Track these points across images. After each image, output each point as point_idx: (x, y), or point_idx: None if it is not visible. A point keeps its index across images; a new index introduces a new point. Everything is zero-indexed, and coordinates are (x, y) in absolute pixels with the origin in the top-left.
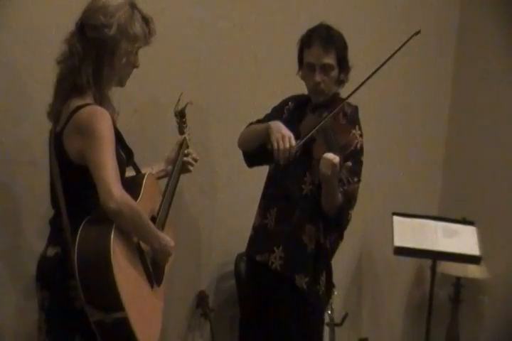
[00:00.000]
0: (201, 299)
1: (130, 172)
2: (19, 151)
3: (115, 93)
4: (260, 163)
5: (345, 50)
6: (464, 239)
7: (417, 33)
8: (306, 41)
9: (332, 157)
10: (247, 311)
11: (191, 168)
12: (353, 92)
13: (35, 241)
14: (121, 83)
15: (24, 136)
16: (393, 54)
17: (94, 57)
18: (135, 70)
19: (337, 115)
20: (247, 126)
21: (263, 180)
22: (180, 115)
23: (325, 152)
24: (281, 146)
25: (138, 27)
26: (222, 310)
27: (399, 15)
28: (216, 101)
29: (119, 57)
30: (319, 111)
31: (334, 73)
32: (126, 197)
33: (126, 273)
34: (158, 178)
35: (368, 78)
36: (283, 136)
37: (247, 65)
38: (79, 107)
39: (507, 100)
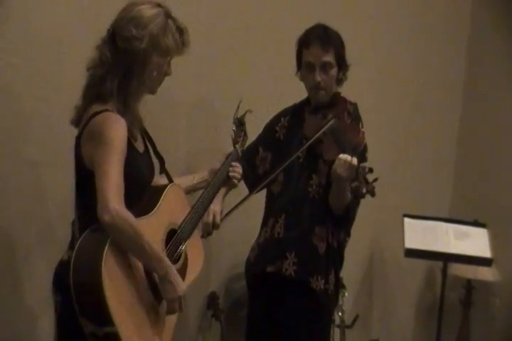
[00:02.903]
0: (212, 300)
1: (162, 180)
2: (31, 152)
3: None
4: (261, 187)
5: (343, 48)
6: (475, 241)
7: (333, 118)
8: (304, 41)
9: (349, 158)
10: (255, 313)
11: (236, 181)
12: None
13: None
14: (152, 91)
15: (35, 136)
16: (311, 141)
17: (123, 68)
18: None
19: (342, 115)
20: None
21: None
22: (240, 123)
23: (337, 153)
24: (205, 219)
25: (171, 39)
26: (232, 311)
27: (410, 17)
28: (226, 103)
29: (149, 70)
30: (322, 112)
31: (334, 72)
32: (123, 212)
33: (120, 288)
34: (199, 189)
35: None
36: (209, 210)
37: (257, 66)
38: (96, 113)
39: None
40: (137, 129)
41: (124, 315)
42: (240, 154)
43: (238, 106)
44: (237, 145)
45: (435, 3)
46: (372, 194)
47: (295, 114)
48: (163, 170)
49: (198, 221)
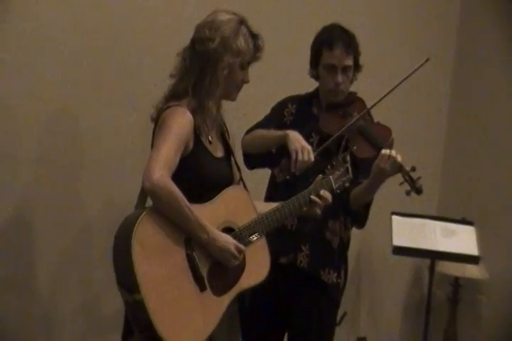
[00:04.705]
0: None
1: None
2: (13, 146)
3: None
4: (262, 166)
5: (359, 50)
6: (462, 239)
7: (427, 60)
8: (327, 43)
9: (394, 154)
10: (257, 304)
11: (318, 210)
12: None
13: None
14: (229, 96)
15: (20, 131)
16: (400, 82)
17: (198, 69)
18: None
19: (365, 114)
20: (250, 131)
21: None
22: (344, 161)
23: (372, 150)
24: (300, 158)
25: (242, 42)
26: None
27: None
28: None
29: (221, 69)
30: (342, 110)
31: (351, 73)
32: (163, 180)
33: (152, 258)
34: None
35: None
36: (303, 148)
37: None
38: (168, 107)
39: (506, 100)
40: (214, 133)
41: (153, 287)
42: (333, 186)
43: (346, 147)
44: (331, 176)
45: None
46: (420, 191)
47: (302, 105)
48: (241, 180)
49: (264, 231)
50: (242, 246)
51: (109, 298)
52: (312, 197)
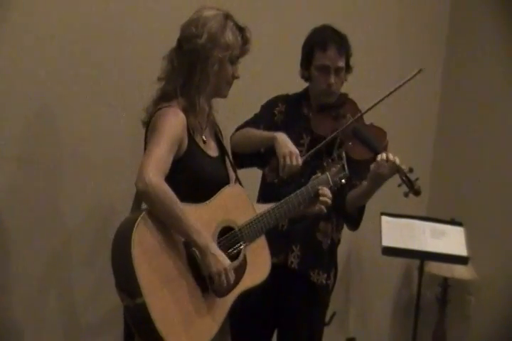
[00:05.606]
0: None
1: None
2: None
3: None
4: (251, 165)
5: (351, 52)
6: (451, 240)
7: (420, 71)
8: (320, 43)
9: (391, 157)
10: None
11: (323, 207)
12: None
13: None
14: (220, 93)
15: (13, 133)
16: (393, 91)
17: (187, 68)
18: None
19: (359, 117)
20: (239, 129)
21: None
22: (339, 158)
23: (366, 152)
24: (288, 163)
25: (230, 35)
26: None
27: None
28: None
29: (211, 65)
30: (334, 111)
31: (343, 74)
32: (157, 181)
33: (152, 262)
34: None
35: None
36: (290, 153)
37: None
38: (159, 109)
39: (495, 101)
40: (208, 132)
41: (154, 289)
42: (330, 183)
43: (340, 144)
44: (327, 173)
45: None
46: (418, 193)
47: (292, 105)
48: (237, 180)
49: (263, 229)
50: (232, 274)
51: (89, 305)
52: (320, 192)
